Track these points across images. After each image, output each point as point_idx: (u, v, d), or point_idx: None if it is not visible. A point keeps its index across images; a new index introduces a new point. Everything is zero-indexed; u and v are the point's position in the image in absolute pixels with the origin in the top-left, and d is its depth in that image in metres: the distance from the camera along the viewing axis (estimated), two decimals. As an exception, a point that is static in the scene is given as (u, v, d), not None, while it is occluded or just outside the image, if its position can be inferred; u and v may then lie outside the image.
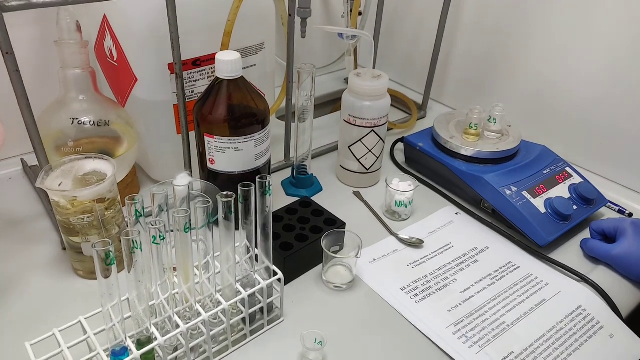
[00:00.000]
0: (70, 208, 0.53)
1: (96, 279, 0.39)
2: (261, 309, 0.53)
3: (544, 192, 0.69)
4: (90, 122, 0.61)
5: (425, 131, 0.82)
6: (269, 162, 0.67)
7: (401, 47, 1.07)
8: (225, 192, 0.44)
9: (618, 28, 0.73)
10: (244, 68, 0.59)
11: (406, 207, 0.70)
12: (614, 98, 0.76)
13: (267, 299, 0.52)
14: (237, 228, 0.47)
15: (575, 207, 0.68)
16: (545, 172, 0.72)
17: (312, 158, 0.77)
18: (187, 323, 0.46)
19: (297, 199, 0.69)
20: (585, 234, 0.69)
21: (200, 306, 0.48)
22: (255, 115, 0.61)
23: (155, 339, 0.45)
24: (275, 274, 0.52)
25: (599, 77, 0.77)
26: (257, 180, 0.46)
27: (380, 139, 0.74)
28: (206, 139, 0.60)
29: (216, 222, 0.46)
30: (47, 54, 0.73)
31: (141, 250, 0.40)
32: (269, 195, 0.47)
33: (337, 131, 0.79)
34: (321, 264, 0.62)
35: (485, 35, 0.90)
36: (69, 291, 0.57)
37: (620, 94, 0.75)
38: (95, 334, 0.44)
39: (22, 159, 0.77)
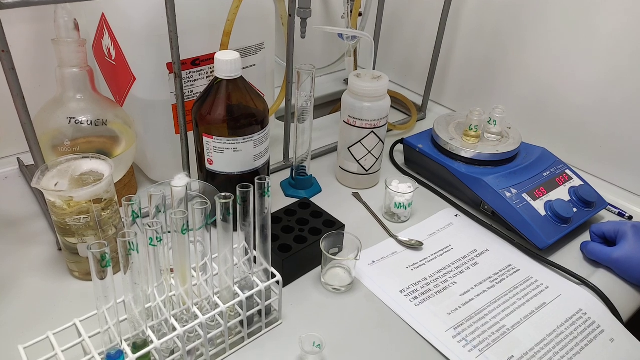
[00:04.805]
0: (67, 208, 0.52)
1: (92, 280, 0.38)
2: (259, 312, 0.53)
3: (544, 195, 0.69)
4: (87, 121, 0.60)
5: (424, 133, 0.82)
6: (268, 162, 0.66)
7: (401, 48, 1.07)
8: (223, 194, 0.44)
9: (617, 32, 0.72)
10: (243, 68, 0.59)
11: (405, 208, 0.70)
12: (613, 101, 0.76)
13: (265, 301, 0.52)
14: (235, 229, 0.47)
15: (575, 209, 0.68)
16: (545, 174, 0.72)
17: (312, 159, 0.76)
18: (184, 326, 0.46)
19: (296, 200, 0.69)
20: (586, 236, 0.69)
21: (198, 308, 0.48)
22: (255, 115, 0.60)
23: (152, 342, 0.44)
24: (273, 276, 0.52)
25: (599, 81, 0.76)
26: (256, 181, 0.46)
27: (380, 140, 0.74)
28: (205, 139, 0.60)
29: (214, 223, 0.46)
30: (44, 52, 0.72)
31: (138, 252, 0.40)
32: (268, 196, 0.47)
33: (336, 132, 0.78)
34: (320, 266, 0.61)
35: (485, 37, 0.90)
36: (64, 292, 0.57)
37: (620, 96, 0.75)
38: (90, 337, 0.44)
39: (18, 158, 0.77)
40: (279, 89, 0.80)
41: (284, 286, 0.54)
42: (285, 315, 0.55)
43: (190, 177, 0.64)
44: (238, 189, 0.45)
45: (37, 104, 0.58)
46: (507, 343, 0.54)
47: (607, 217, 0.74)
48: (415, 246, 0.66)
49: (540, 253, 0.65)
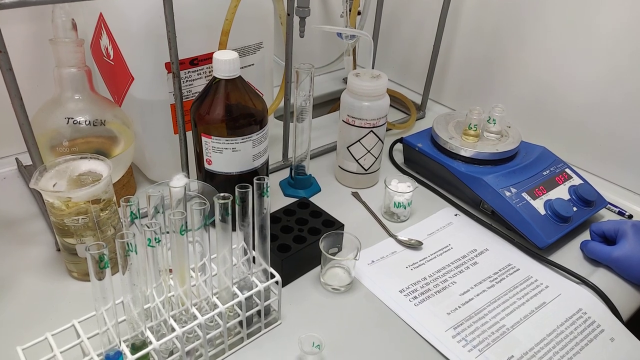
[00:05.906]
0: (65, 209, 0.52)
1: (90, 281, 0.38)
2: (258, 312, 0.52)
3: (543, 194, 0.69)
4: (85, 121, 0.60)
5: (424, 132, 0.81)
6: (266, 162, 0.66)
7: (400, 47, 1.07)
8: (222, 194, 0.43)
9: (617, 32, 0.72)
10: (241, 67, 0.59)
11: (405, 208, 0.70)
12: (613, 100, 0.75)
13: (265, 301, 0.52)
14: (234, 230, 0.46)
15: (575, 208, 0.68)
16: (544, 173, 0.71)
17: (311, 158, 0.76)
18: (183, 326, 0.46)
19: (295, 199, 0.68)
20: (585, 235, 0.69)
21: (197, 309, 0.47)
22: (253, 115, 0.60)
23: (150, 343, 0.44)
24: (272, 276, 0.52)
25: (599, 80, 0.76)
26: (255, 181, 0.46)
27: (379, 139, 0.73)
28: (203, 139, 0.60)
29: (213, 224, 0.46)
30: (42, 52, 0.72)
31: (136, 253, 0.40)
32: (267, 196, 0.46)
33: (335, 131, 0.78)
34: (319, 266, 0.61)
35: (484, 36, 0.90)
36: (63, 293, 0.56)
37: (620, 96, 0.74)
38: (88, 338, 0.44)
39: (16, 159, 0.76)
40: (278, 88, 0.80)
41: (283, 286, 0.54)
42: (285, 316, 0.55)
43: (188, 177, 0.64)
44: (237, 189, 0.44)
45: (35, 105, 0.58)
46: (507, 343, 0.53)
47: (607, 216, 0.73)
48: (414, 246, 0.66)
49: (540, 252, 0.65)
